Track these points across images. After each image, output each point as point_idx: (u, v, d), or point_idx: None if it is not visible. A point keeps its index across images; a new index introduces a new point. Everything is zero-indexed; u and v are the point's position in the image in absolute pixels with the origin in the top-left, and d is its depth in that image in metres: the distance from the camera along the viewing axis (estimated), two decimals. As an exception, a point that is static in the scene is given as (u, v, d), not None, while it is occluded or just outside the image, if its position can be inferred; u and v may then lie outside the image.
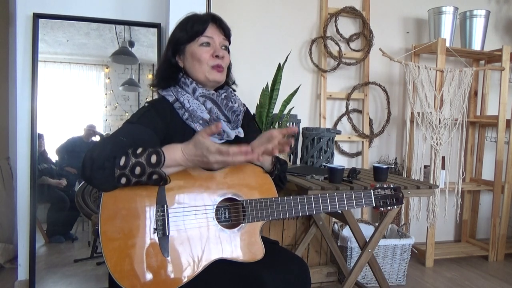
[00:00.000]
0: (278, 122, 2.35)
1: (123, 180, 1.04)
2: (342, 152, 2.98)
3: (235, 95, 1.39)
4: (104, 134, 2.39)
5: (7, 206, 2.66)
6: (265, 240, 1.25)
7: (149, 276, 1.06)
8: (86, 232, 2.39)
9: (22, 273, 2.23)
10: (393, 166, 2.97)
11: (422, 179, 2.79)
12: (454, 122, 2.80)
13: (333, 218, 2.51)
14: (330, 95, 2.88)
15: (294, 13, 2.82)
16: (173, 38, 1.32)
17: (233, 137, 1.31)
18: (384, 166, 1.93)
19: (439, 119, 2.71)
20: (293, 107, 2.43)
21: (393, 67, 3.05)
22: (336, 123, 2.94)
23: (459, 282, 2.53)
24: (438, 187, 2.65)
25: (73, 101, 2.34)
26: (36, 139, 2.17)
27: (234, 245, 1.15)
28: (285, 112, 2.36)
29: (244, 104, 1.42)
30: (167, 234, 1.09)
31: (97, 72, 2.39)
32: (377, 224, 1.98)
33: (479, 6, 3.09)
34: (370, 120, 3.00)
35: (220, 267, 1.12)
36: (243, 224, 1.18)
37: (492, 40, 3.22)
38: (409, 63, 2.74)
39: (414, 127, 2.83)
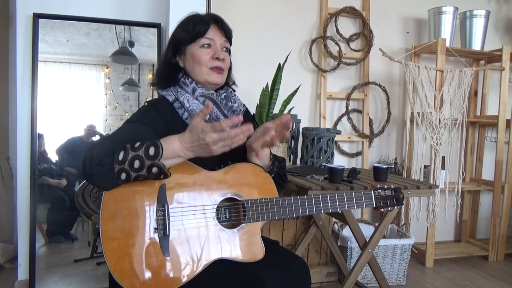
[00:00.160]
0: (278, 122, 2.34)
1: (123, 176, 1.04)
2: (342, 152, 2.98)
3: (235, 95, 1.39)
4: (104, 134, 2.39)
5: (7, 206, 2.66)
6: (265, 240, 1.25)
7: (149, 275, 1.06)
8: (86, 232, 2.39)
9: (22, 273, 2.23)
10: (393, 166, 2.97)
11: (422, 179, 2.79)
12: (454, 122, 2.80)
13: (333, 218, 2.51)
14: (330, 95, 2.88)
15: (294, 13, 2.82)
16: (174, 38, 1.32)
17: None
18: (384, 166, 1.94)
19: (439, 119, 2.71)
20: (293, 107, 2.43)
21: (393, 67, 3.05)
22: (336, 123, 2.94)
23: (459, 282, 2.53)
24: (438, 187, 2.65)
25: (73, 101, 2.34)
26: (36, 139, 2.17)
27: (235, 245, 1.15)
28: (285, 112, 2.36)
29: (244, 104, 1.42)
30: (167, 233, 1.09)
31: (97, 72, 2.39)
32: (377, 224, 1.98)
33: (479, 6, 3.09)
34: (370, 120, 3.00)
35: (221, 267, 1.12)
36: (244, 224, 1.18)
37: (492, 40, 3.22)
38: (409, 63, 2.74)
39: (414, 127, 2.83)
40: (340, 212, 1.80)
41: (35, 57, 2.16)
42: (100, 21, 2.27)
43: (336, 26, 2.84)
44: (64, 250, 2.33)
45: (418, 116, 2.75)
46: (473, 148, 3.24)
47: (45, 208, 2.31)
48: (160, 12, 2.34)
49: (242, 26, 2.69)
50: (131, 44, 2.38)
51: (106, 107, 2.40)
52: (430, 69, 2.74)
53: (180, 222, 1.11)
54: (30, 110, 2.17)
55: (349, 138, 2.94)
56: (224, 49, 1.32)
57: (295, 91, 2.38)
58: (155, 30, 2.33)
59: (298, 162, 2.49)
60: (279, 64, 2.30)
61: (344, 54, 2.87)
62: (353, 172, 1.95)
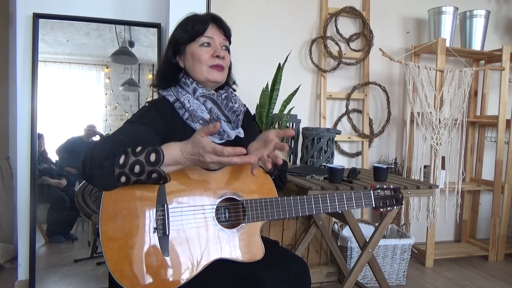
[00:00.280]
0: (278, 122, 2.35)
1: (123, 179, 1.04)
2: (342, 152, 2.98)
3: (235, 95, 1.39)
4: (104, 134, 2.39)
5: (7, 206, 2.66)
6: (265, 240, 1.25)
7: (149, 275, 1.06)
8: (86, 232, 2.39)
9: (22, 273, 2.23)
10: (393, 166, 2.97)
11: (422, 179, 2.79)
12: (454, 122, 2.80)
13: (333, 218, 2.51)
14: (330, 95, 2.88)
15: (294, 13, 2.82)
16: (173, 39, 1.32)
17: (233, 137, 1.31)
18: (384, 166, 1.94)
19: (439, 119, 2.71)
20: (293, 107, 2.43)
21: (393, 67, 3.05)
22: (336, 123, 2.94)
23: (459, 282, 2.53)
24: (438, 187, 2.65)
25: (73, 101, 2.34)
26: (36, 139, 2.17)
27: (234, 245, 1.15)
28: (285, 112, 2.36)
29: (245, 105, 1.42)
30: (167, 233, 1.09)
31: (97, 72, 2.39)
32: (377, 224, 1.98)
33: (479, 6, 3.09)
34: (370, 120, 3.00)
35: (220, 267, 1.12)
36: (243, 224, 1.18)
37: (492, 40, 3.22)
38: (409, 63, 2.74)
39: (414, 127, 2.83)
40: (340, 212, 1.80)
41: (35, 57, 2.16)
42: (100, 21, 2.27)
43: (336, 26, 2.84)
44: (64, 250, 2.33)
45: (418, 116, 2.75)
46: (473, 148, 3.24)
47: (45, 208, 2.31)
48: (160, 12, 2.34)
49: (242, 26, 2.69)
50: (131, 44, 2.38)
51: (106, 107, 2.40)
52: (430, 69, 2.74)
53: (179, 222, 1.11)
54: (30, 110, 2.17)
55: (349, 138, 2.94)
56: (224, 47, 1.33)
57: (295, 91, 2.38)
58: (155, 30, 2.34)
59: (298, 162, 2.49)
60: (279, 64, 2.30)
61: (344, 54, 2.87)
62: (353, 172, 1.95)
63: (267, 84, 2.35)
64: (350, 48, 2.92)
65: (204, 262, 1.11)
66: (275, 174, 1.31)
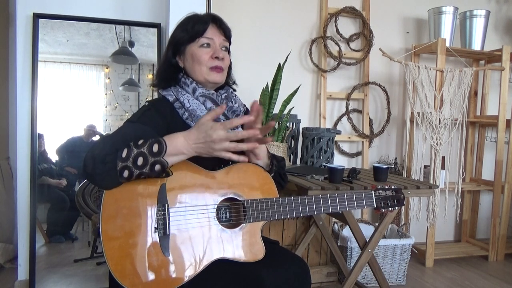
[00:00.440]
0: (278, 122, 2.35)
1: (125, 173, 1.04)
2: (342, 152, 2.98)
3: (235, 95, 1.39)
4: (104, 134, 2.39)
5: (7, 206, 2.66)
6: (265, 240, 1.25)
7: (149, 275, 1.06)
8: (86, 232, 2.39)
9: (22, 273, 2.23)
10: (393, 166, 2.97)
11: (422, 179, 2.79)
12: (454, 122, 2.80)
13: (333, 218, 2.51)
14: (330, 95, 2.88)
15: (294, 13, 2.82)
16: (173, 39, 1.32)
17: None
18: (384, 166, 1.94)
19: (439, 119, 2.71)
20: (293, 107, 2.43)
21: (393, 67, 3.05)
22: (336, 123, 2.94)
23: (459, 282, 2.53)
24: (438, 187, 2.65)
25: (73, 101, 2.34)
26: (36, 139, 2.17)
27: (235, 245, 1.15)
28: (285, 112, 2.36)
29: (245, 105, 1.42)
30: (167, 233, 1.09)
31: (97, 72, 2.39)
32: (377, 224, 1.98)
33: (479, 6, 3.09)
34: (370, 120, 3.00)
35: (221, 266, 1.12)
36: (244, 224, 1.18)
37: (492, 40, 3.22)
38: (409, 63, 2.74)
39: (414, 127, 2.83)
40: (340, 212, 1.80)
41: (35, 57, 2.16)
42: (100, 21, 2.27)
43: (336, 26, 2.84)
44: (64, 250, 2.33)
45: (418, 116, 2.75)
46: (473, 148, 3.24)
47: (45, 208, 2.31)
48: (160, 12, 2.34)
49: (242, 26, 2.69)
50: (131, 44, 2.38)
51: (106, 107, 2.40)
52: (430, 69, 2.74)
53: (180, 221, 1.11)
54: (30, 110, 2.17)
55: (349, 138, 2.94)
56: (224, 48, 1.32)
57: (295, 91, 2.38)
58: (155, 30, 2.33)
59: (298, 162, 2.49)
60: (279, 64, 2.30)
61: (344, 54, 2.87)
62: (353, 172, 1.95)
63: (267, 84, 2.35)
64: (350, 48, 2.92)
65: (205, 262, 1.11)
66: (274, 170, 1.31)
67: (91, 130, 2.37)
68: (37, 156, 2.19)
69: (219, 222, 1.16)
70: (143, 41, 2.38)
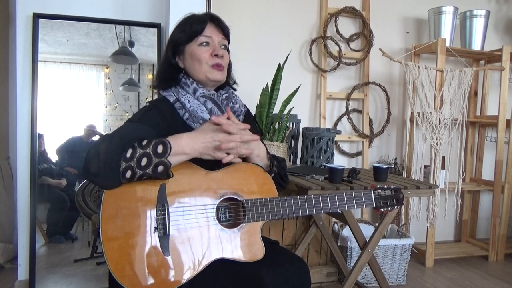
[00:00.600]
0: (278, 122, 2.35)
1: (128, 174, 1.05)
2: (342, 152, 2.98)
3: (236, 95, 1.39)
4: (104, 134, 2.39)
5: (7, 206, 2.66)
6: (265, 240, 1.25)
7: (149, 275, 1.06)
8: (86, 232, 2.39)
9: (22, 273, 2.23)
10: (393, 166, 2.97)
11: (422, 179, 2.79)
12: (454, 122, 2.80)
13: (333, 218, 2.51)
14: (330, 95, 2.88)
15: (294, 13, 2.82)
16: (172, 39, 1.32)
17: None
18: (384, 166, 1.93)
19: (439, 119, 2.71)
20: (293, 107, 2.43)
21: (393, 67, 3.05)
22: (336, 123, 2.94)
23: (459, 282, 2.53)
24: (438, 187, 2.65)
25: (73, 101, 2.34)
26: (36, 139, 2.17)
27: (235, 245, 1.15)
28: (285, 112, 2.36)
29: (245, 105, 1.42)
30: (167, 233, 1.09)
31: (97, 72, 2.39)
32: (377, 224, 1.98)
33: (479, 6, 3.09)
34: (370, 120, 3.00)
35: (221, 266, 1.12)
36: (244, 224, 1.18)
37: (492, 40, 3.22)
38: (409, 63, 2.74)
39: (414, 127, 2.83)
40: (340, 212, 1.80)
41: (35, 57, 2.16)
42: (100, 21, 2.27)
43: (336, 26, 2.84)
44: (64, 250, 2.33)
45: (418, 116, 2.75)
46: (473, 148, 3.24)
47: (45, 208, 2.31)
48: (160, 12, 2.34)
49: (242, 26, 2.69)
50: (131, 44, 2.38)
51: (106, 107, 2.40)
52: (430, 69, 2.74)
53: (180, 221, 1.11)
54: (30, 110, 2.17)
55: (349, 138, 2.94)
56: (223, 46, 1.33)
57: (295, 91, 2.38)
58: (155, 30, 2.33)
59: (298, 162, 2.49)
60: (279, 64, 2.30)
61: (344, 54, 2.87)
62: (353, 172, 1.95)
63: (267, 84, 2.35)
64: (350, 48, 2.92)
65: (205, 262, 1.11)
66: (274, 171, 1.31)
67: (91, 130, 2.37)
68: (37, 156, 2.19)
69: (219, 222, 1.16)
70: (143, 41, 2.38)
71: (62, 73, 2.31)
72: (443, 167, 2.77)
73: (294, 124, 2.48)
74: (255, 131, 1.43)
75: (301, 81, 2.70)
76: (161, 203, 1.10)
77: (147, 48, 2.39)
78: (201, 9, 1.93)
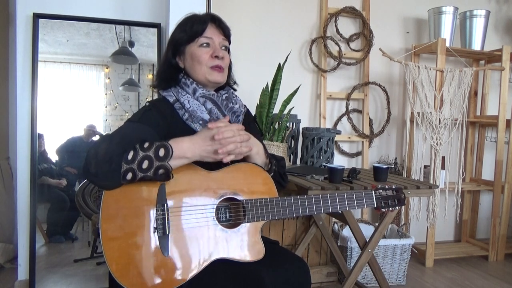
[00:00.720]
0: (278, 122, 2.35)
1: (129, 176, 1.05)
2: (342, 152, 2.98)
3: (236, 95, 1.39)
4: (104, 134, 2.39)
5: (7, 206, 2.66)
6: (265, 240, 1.25)
7: (149, 275, 1.06)
8: (86, 232, 2.39)
9: (22, 273, 2.23)
10: (393, 166, 2.97)
11: (422, 179, 2.79)
12: (454, 122, 2.80)
13: (333, 218, 2.51)
14: (330, 95, 2.88)
15: (294, 13, 2.82)
16: (172, 39, 1.32)
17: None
18: (384, 166, 1.93)
19: (439, 119, 2.71)
20: (293, 107, 2.43)
21: (393, 67, 3.05)
22: (336, 123, 2.94)
23: (459, 282, 2.53)
24: (438, 187, 2.65)
25: (73, 101, 2.34)
26: (36, 139, 2.17)
27: (234, 245, 1.15)
28: (285, 112, 2.36)
29: (245, 105, 1.42)
30: (167, 233, 1.09)
31: (97, 72, 2.39)
32: (377, 224, 1.98)
33: (479, 6, 3.09)
34: (370, 120, 3.00)
35: (220, 266, 1.12)
36: (244, 224, 1.18)
37: (492, 40, 3.22)
38: (409, 63, 2.74)
39: (414, 127, 2.83)
40: (340, 212, 1.80)
41: (35, 57, 2.16)
42: (100, 21, 2.27)
43: (336, 26, 2.84)
44: (64, 250, 2.33)
45: (418, 116, 2.75)
46: (473, 148, 3.24)
47: (45, 208, 2.31)
48: (160, 12, 2.34)
49: (242, 26, 2.69)
50: (131, 44, 2.38)
51: (106, 107, 2.40)
52: (430, 69, 2.74)
53: (179, 221, 1.11)
54: (30, 110, 2.17)
55: (349, 138, 2.94)
56: (223, 47, 1.32)
57: (295, 91, 2.38)
58: (155, 30, 2.33)
59: (298, 162, 2.49)
60: (279, 64, 2.30)
61: (344, 54, 2.87)
62: (353, 172, 1.95)
63: (267, 84, 2.35)
64: (350, 48, 2.91)
65: (204, 262, 1.11)
66: (273, 170, 1.31)
67: (91, 130, 2.37)
68: (37, 156, 2.19)
69: (219, 222, 1.16)
70: (143, 41, 2.38)
71: (62, 73, 2.31)
72: (443, 167, 2.77)
73: (294, 124, 2.48)
74: (255, 132, 1.44)
75: (301, 81, 2.70)
76: (161, 203, 1.10)
77: (147, 48, 2.39)
78: (201, 9, 1.93)
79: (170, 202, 1.11)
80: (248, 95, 2.23)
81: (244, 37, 2.69)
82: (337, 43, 2.85)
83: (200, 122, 1.26)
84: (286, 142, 2.36)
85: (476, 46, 2.94)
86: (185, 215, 1.12)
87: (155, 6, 2.35)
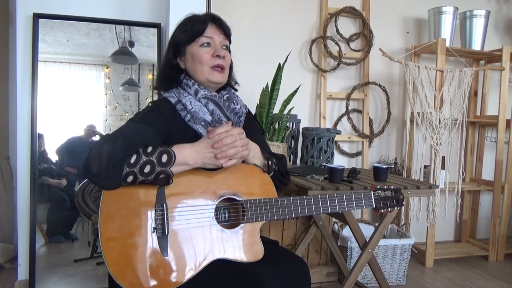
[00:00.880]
0: (278, 122, 2.35)
1: (130, 179, 1.05)
2: (342, 152, 2.98)
3: (237, 96, 1.39)
4: (104, 134, 2.39)
5: (7, 206, 2.66)
6: (265, 240, 1.25)
7: (148, 275, 1.06)
8: (86, 232, 2.39)
9: (22, 273, 2.23)
10: (393, 166, 2.97)
11: (422, 179, 2.79)
12: (454, 122, 2.80)
13: (333, 218, 2.51)
14: (330, 95, 2.88)
15: (294, 13, 2.82)
16: (173, 40, 1.32)
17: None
18: (384, 166, 1.93)
19: (439, 119, 2.71)
20: (293, 107, 2.43)
21: (393, 67, 3.05)
22: (336, 123, 2.94)
23: (459, 282, 2.53)
24: (438, 187, 2.65)
25: (73, 101, 2.34)
26: (36, 139, 2.17)
27: (234, 245, 1.15)
28: (285, 112, 2.36)
29: (246, 106, 1.42)
30: (166, 233, 1.09)
31: (97, 72, 2.39)
32: (377, 224, 1.98)
33: (479, 6, 3.09)
34: (370, 120, 3.00)
35: (220, 267, 1.12)
36: (243, 224, 1.18)
37: (492, 40, 3.22)
38: (409, 63, 2.74)
39: (414, 127, 2.83)
40: (340, 212, 1.80)
41: (35, 57, 2.16)
42: (100, 21, 2.27)
43: (336, 26, 2.84)
44: (64, 250, 2.33)
45: (418, 116, 2.75)
46: (473, 148, 3.24)
47: (45, 208, 2.31)
48: (160, 12, 2.34)
49: (242, 26, 2.69)
50: (131, 44, 2.38)
51: (106, 107, 2.40)
52: (430, 69, 2.74)
53: (179, 222, 1.11)
54: (30, 110, 2.17)
55: (349, 138, 2.94)
56: (224, 47, 1.32)
57: (295, 91, 2.38)
58: (155, 30, 2.33)
59: (298, 162, 2.49)
60: (279, 64, 2.30)
61: (344, 54, 2.87)
62: (353, 172, 1.95)
63: (267, 84, 2.35)
64: (350, 48, 2.91)
65: (204, 262, 1.11)
66: (273, 169, 1.29)
67: (91, 130, 2.38)
68: (37, 156, 2.19)
69: (218, 222, 1.16)
70: (143, 41, 2.38)
71: (62, 73, 2.31)
72: (443, 167, 2.77)
73: (294, 124, 2.48)
74: (256, 130, 1.44)
75: (301, 81, 2.70)
76: (160, 204, 1.10)
77: (147, 48, 2.39)
78: (201, 9, 1.93)
79: (169, 203, 1.11)
80: (248, 95, 2.22)
81: (244, 37, 2.69)
82: (337, 43, 2.85)
83: (202, 123, 1.25)
84: (286, 142, 2.36)
85: (476, 46, 2.94)
86: (184, 216, 1.12)
87: (155, 6, 2.35)
